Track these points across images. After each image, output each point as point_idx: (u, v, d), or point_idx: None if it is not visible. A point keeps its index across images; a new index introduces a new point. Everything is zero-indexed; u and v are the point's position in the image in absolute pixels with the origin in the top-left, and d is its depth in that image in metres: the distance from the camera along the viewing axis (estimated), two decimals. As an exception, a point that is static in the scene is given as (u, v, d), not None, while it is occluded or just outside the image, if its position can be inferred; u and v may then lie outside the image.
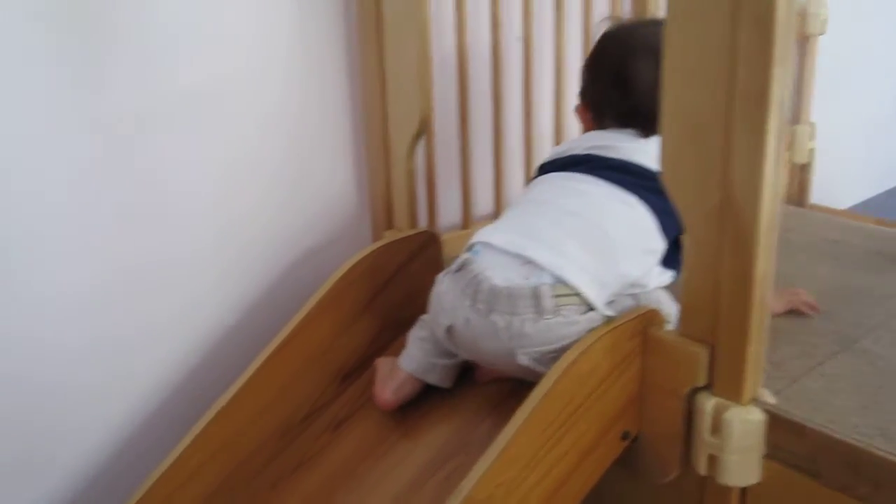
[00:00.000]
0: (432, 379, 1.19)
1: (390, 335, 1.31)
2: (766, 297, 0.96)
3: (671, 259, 1.16)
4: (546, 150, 1.49)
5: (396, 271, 1.30)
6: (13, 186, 1.12)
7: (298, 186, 1.38)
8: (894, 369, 1.17)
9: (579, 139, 1.29)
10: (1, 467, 1.18)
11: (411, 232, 1.33)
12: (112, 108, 1.18)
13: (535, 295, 1.05)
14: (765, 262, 0.94)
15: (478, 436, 1.15)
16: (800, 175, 2.12)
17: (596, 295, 1.06)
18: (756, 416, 0.99)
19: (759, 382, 1.00)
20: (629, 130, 1.22)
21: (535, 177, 1.26)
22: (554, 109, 1.58)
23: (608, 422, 1.06)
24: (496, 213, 1.59)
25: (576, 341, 1.03)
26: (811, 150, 2.12)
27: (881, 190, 2.68)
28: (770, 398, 1.02)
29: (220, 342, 1.35)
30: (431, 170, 1.40)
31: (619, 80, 1.22)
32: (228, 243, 1.34)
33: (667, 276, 1.17)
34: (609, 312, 1.06)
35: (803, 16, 1.99)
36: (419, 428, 1.19)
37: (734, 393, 0.99)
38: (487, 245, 1.12)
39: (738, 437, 0.99)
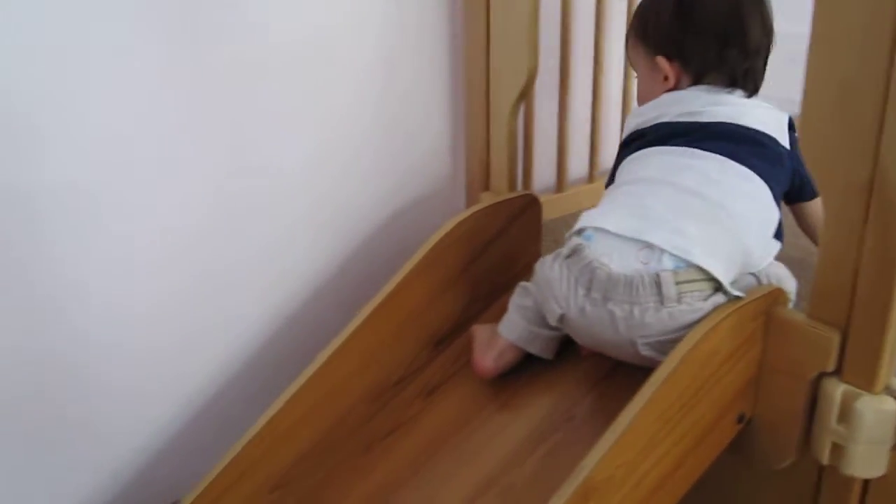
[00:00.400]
0: (534, 349, 1.15)
1: (485, 302, 1.27)
2: (909, 282, 0.89)
3: (778, 230, 1.10)
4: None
5: (496, 236, 1.25)
6: (115, 143, 1.09)
7: (392, 143, 1.34)
8: None
9: (670, 101, 1.16)
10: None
11: (513, 195, 1.27)
12: (207, 61, 1.14)
13: (657, 282, 0.99)
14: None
15: (580, 411, 1.10)
16: None
17: (723, 276, 1.00)
18: (890, 405, 0.93)
19: (893, 371, 0.94)
20: (734, 91, 1.14)
21: (626, 147, 1.17)
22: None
23: (726, 404, 1.01)
24: (590, 177, 1.53)
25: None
26: None
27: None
28: (903, 385, 0.96)
29: (312, 301, 1.32)
30: (530, 130, 1.35)
31: (729, 36, 1.12)
32: (323, 203, 1.30)
33: (776, 247, 1.10)
34: (736, 293, 1.00)
35: None
36: (517, 399, 1.15)
37: (867, 381, 0.93)
38: (600, 230, 1.05)
39: (869, 428, 0.93)
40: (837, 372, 0.96)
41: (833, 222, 0.93)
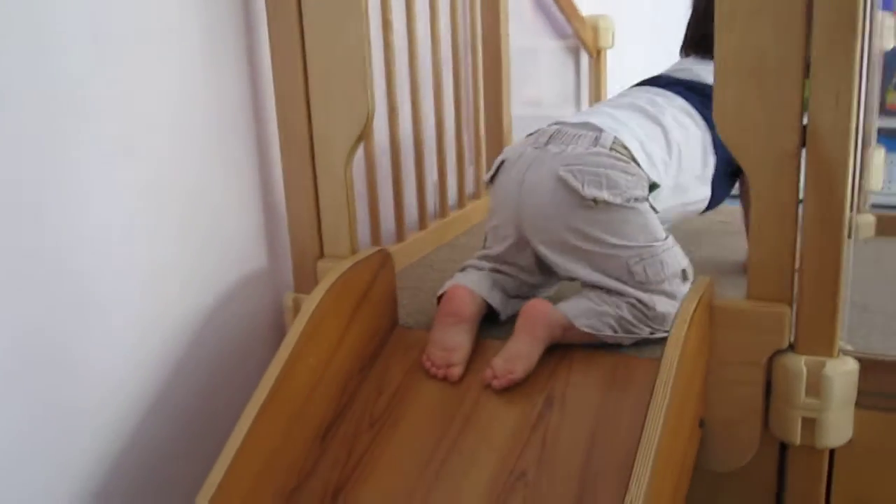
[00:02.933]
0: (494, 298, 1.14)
1: (360, 377, 1.09)
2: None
3: (717, 184, 1.23)
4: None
5: (359, 303, 1.09)
6: None
7: (191, 234, 1.12)
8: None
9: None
10: None
11: (368, 252, 1.12)
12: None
13: (597, 138, 1.12)
14: (848, 201, 0.90)
15: (531, 471, 0.97)
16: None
17: (646, 166, 1.12)
18: (851, 365, 0.94)
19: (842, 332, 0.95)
20: (696, 55, 1.36)
21: None
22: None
23: (695, 410, 0.95)
24: (421, 223, 1.44)
25: (618, 188, 1.07)
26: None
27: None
28: (847, 345, 0.97)
29: (149, 417, 1.04)
30: (373, 177, 1.21)
31: (691, 9, 1.40)
32: (130, 316, 1.04)
33: (704, 200, 1.24)
34: (657, 208, 1.11)
35: (596, 29, 2.07)
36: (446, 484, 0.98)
37: (826, 348, 0.93)
38: (560, 122, 1.19)
39: (839, 392, 0.93)
40: (792, 347, 0.95)
41: (765, 196, 0.92)
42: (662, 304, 1.06)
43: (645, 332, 1.06)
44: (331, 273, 1.06)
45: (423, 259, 1.42)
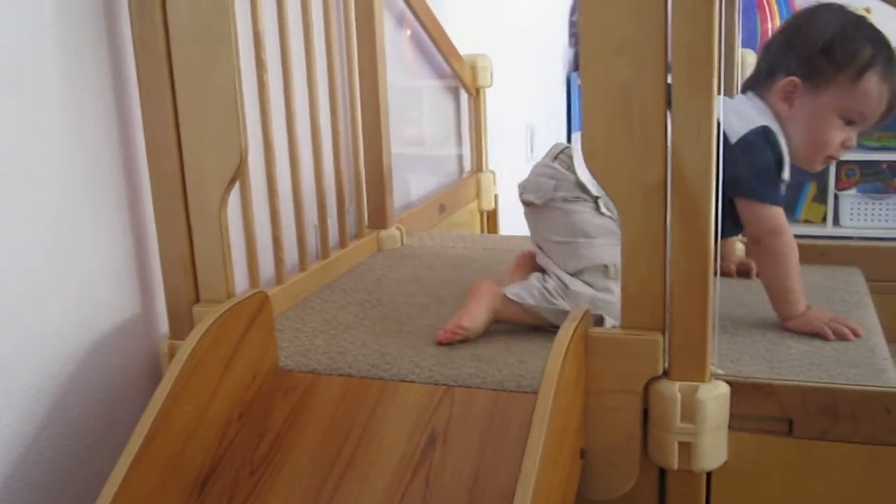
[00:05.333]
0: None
1: (239, 424, 1.06)
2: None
3: None
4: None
5: (237, 346, 1.06)
6: None
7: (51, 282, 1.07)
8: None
9: None
10: None
11: (246, 294, 1.10)
12: None
13: (556, 153, 1.27)
14: (713, 232, 0.93)
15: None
16: (488, 221, 2.21)
17: (581, 171, 1.22)
18: (723, 388, 0.97)
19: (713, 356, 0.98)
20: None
21: None
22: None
23: (575, 441, 0.96)
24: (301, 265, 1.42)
25: (541, 191, 1.24)
26: (496, 196, 2.23)
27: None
28: (718, 369, 1.00)
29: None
30: (249, 219, 1.19)
31: None
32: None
33: None
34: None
35: (475, 69, 2.11)
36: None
37: (698, 373, 0.96)
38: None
39: (713, 415, 0.96)
40: (666, 373, 0.97)
41: (633, 226, 0.95)
42: (577, 286, 1.19)
43: (563, 304, 1.18)
44: (207, 318, 1.03)
45: (304, 301, 1.40)
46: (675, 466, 0.97)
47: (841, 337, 1.14)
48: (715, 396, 0.95)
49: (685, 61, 0.89)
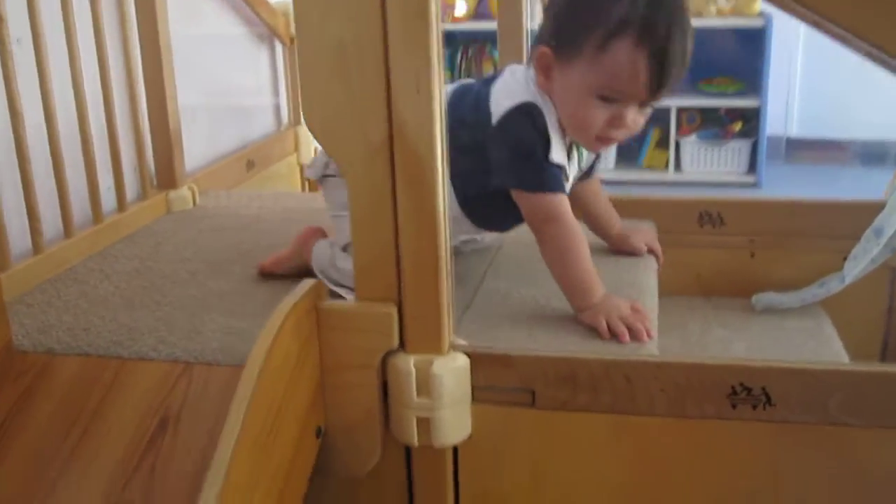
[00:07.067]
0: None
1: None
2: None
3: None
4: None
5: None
6: None
7: None
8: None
9: None
10: None
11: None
12: None
13: None
14: (442, 197, 0.87)
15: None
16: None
17: None
18: (462, 361, 0.92)
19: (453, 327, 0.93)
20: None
21: None
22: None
23: (304, 419, 0.90)
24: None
25: (314, 167, 1.22)
26: (316, 150, 2.13)
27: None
28: (461, 340, 0.95)
29: None
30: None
31: None
32: None
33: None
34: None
35: (287, 16, 2.00)
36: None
37: (434, 345, 0.91)
38: None
39: (450, 390, 0.91)
40: (402, 346, 0.92)
41: (359, 191, 0.88)
42: (342, 261, 1.15)
43: (336, 276, 1.17)
44: None
45: (68, 271, 1.30)
46: (416, 443, 0.92)
47: (634, 336, 1.01)
48: (452, 369, 0.91)
49: (400, 13, 0.82)
